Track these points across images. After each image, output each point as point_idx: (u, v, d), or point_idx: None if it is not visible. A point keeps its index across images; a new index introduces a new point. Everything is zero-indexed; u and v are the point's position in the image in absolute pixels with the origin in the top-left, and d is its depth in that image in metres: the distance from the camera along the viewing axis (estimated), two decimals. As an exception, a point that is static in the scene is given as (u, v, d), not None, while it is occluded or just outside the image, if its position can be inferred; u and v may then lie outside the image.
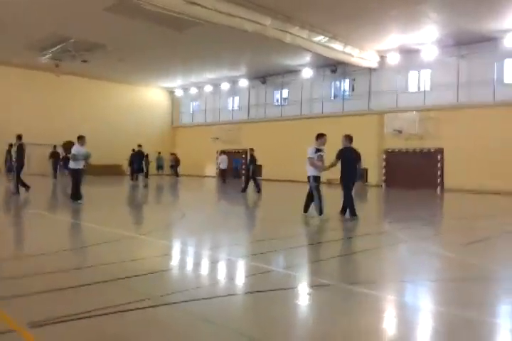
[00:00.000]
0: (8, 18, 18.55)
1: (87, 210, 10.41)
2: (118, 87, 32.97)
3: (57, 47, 22.43)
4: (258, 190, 16.21)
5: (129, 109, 33.48)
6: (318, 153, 9.21)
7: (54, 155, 25.18)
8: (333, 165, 9.45)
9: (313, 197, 9.13)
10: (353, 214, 9.00)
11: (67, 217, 9.45)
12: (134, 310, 3.44)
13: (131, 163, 22.53)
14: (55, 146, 25.68)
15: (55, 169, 24.54)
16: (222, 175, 24.52)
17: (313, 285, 4.40)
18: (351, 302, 3.93)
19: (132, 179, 22.42)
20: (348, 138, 9.64)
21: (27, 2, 16.67)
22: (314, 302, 3.95)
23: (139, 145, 21.12)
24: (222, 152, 25.81)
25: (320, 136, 9.41)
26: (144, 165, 21.10)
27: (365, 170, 24.19)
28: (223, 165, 24.26)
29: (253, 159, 17.01)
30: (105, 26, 19.36)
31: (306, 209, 9.37)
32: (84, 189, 11.83)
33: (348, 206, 9.20)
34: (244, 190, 16.46)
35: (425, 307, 3.86)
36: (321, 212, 8.90)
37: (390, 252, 6.35)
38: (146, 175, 22.21)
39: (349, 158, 9.33)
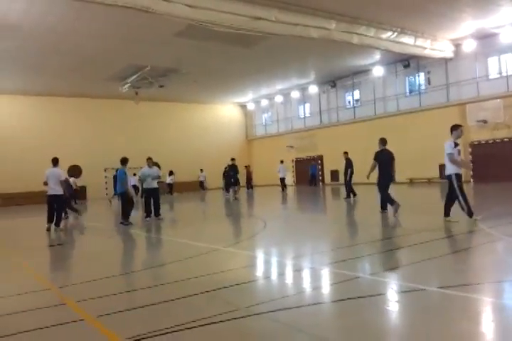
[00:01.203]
0: (90, 55, 20.26)
1: (177, 226, 10.90)
2: (193, 108, 34.45)
3: (135, 76, 24.02)
4: (354, 194, 15.67)
5: (205, 127, 34.83)
6: (457, 148, 8.12)
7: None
8: (373, 167, 10.26)
9: (453, 197, 8.13)
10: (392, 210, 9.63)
11: (157, 234, 9.99)
12: (225, 322, 3.55)
13: (226, 176, 23.09)
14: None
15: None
16: (282, 183, 24.55)
17: (404, 291, 4.24)
18: (445, 306, 3.73)
19: (228, 191, 22.63)
20: (382, 140, 10.52)
21: (104, 39, 18.09)
22: (406, 309, 3.80)
23: (232, 159, 20.91)
24: (281, 161, 25.92)
25: (455, 128, 8.19)
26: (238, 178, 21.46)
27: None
28: (282, 174, 24.40)
29: (349, 163, 16.18)
30: (177, 51, 20.41)
31: (447, 211, 8.29)
32: (176, 205, 12.40)
33: (388, 202, 9.93)
34: (348, 195, 15.69)
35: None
36: (470, 214, 7.91)
37: (484, 252, 5.93)
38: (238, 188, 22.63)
39: (384, 160, 10.14)
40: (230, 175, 20.64)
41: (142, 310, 4.03)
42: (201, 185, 31.50)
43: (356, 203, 14.89)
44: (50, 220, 11.06)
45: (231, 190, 20.92)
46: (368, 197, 18.28)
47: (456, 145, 8.05)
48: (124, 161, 11.63)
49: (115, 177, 23.38)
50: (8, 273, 6.56)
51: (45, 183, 11.00)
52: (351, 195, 15.70)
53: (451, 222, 8.05)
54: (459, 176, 8.02)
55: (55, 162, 11.09)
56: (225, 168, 24.13)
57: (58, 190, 10.88)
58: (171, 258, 6.76)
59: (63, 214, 12.00)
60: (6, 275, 6.43)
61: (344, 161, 16.47)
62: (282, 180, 24.55)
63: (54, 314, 4.11)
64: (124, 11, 13.31)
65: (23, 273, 6.51)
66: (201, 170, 31.62)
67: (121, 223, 11.30)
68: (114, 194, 23.80)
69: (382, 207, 10.48)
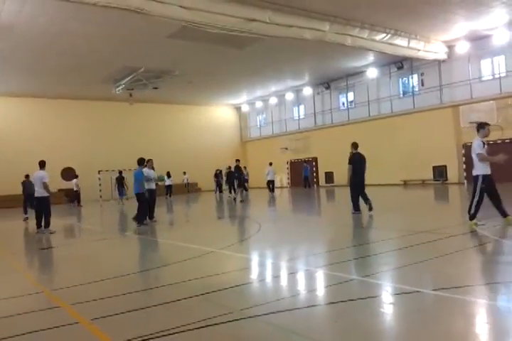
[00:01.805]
0: (84, 57, 20.21)
1: (172, 228, 10.87)
2: (187, 109, 34.41)
3: (129, 77, 23.97)
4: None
5: (200, 129, 34.80)
6: (486, 147, 7.79)
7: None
8: (350, 170, 10.83)
9: (498, 196, 7.67)
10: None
11: (152, 236, 9.96)
12: (219, 325, 3.54)
13: (229, 178, 23.17)
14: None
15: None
16: (268, 185, 24.26)
17: (397, 293, 4.25)
18: (438, 308, 3.74)
19: (230, 193, 22.72)
20: (354, 145, 11.17)
21: (98, 40, 18.05)
22: (399, 311, 3.81)
23: (237, 161, 21.18)
24: (270, 163, 25.58)
25: (482, 126, 7.91)
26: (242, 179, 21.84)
27: (444, 168, 23.00)
28: (270, 177, 24.11)
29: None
30: (170, 52, 20.39)
31: (503, 213, 7.69)
32: (174, 207, 12.32)
33: (354, 205, 10.81)
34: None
35: (524, 311, 3.58)
36: (472, 218, 7.69)
37: (478, 253, 5.97)
38: (237, 190, 22.90)
39: (357, 163, 10.82)
40: (234, 177, 20.95)
41: (137, 312, 4.02)
42: (169, 190, 28.04)
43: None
44: (39, 224, 11.05)
45: (237, 191, 20.70)
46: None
47: (484, 144, 7.78)
48: (141, 162, 11.66)
49: (117, 181, 23.67)
50: (0, 276, 6.51)
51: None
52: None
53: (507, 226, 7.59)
54: (486, 177, 7.70)
55: (42, 164, 11.09)
56: (228, 169, 24.71)
57: (42, 192, 10.84)
58: (165, 260, 6.75)
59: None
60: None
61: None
62: (271, 182, 24.25)
63: (48, 317, 4.08)
64: (117, 12, 13.29)
65: (16, 276, 6.46)
66: (184, 173, 30.51)
67: (138, 224, 11.21)
68: (120, 195, 23.84)
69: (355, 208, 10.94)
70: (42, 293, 5.03)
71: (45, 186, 10.82)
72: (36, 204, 11.16)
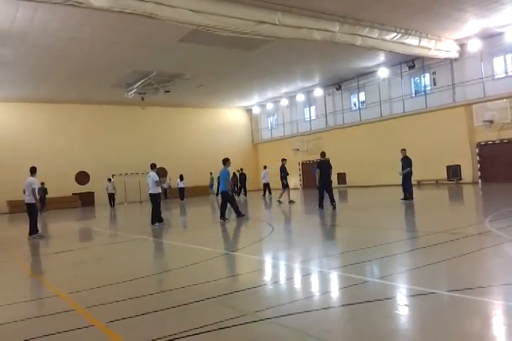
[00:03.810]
0: (96, 61, 20.42)
1: (184, 230, 10.91)
2: (198, 112, 34.51)
3: (141, 82, 24.14)
4: (411, 197, 14.51)
5: (211, 132, 34.87)
6: None
7: None
8: (318, 174, 13.34)
9: None
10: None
11: (164, 239, 10.01)
12: (231, 327, 3.54)
13: (237, 182, 25.19)
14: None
15: None
16: (264, 189, 24.26)
17: (412, 295, 4.21)
18: (454, 310, 3.70)
19: (239, 195, 25.10)
20: (322, 154, 14.04)
21: (109, 45, 18.23)
22: (415, 313, 3.77)
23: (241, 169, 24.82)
24: (264, 167, 25.61)
25: None
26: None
27: (458, 167, 22.73)
28: (266, 180, 23.97)
29: (407, 161, 14.91)
30: (181, 56, 20.50)
31: None
32: (187, 209, 12.39)
33: (320, 202, 13.46)
34: (406, 197, 14.55)
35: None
36: None
37: (494, 254, 5.88)
38: (245, 193, 26.27)
39: (324, 169, 13.45)
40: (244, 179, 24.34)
41: (151, 315, 4.04)
42: (181, 192, 27.71)
43: (361, 206, 14.80)
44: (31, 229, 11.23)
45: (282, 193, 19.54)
46: (376, 199, 18.26)
47: None
48: (226, 161, 12.39)
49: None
50: (16, 280, 6.60)
51: (24, 192, 11.18)
52: (407, 196, 14.51)
53: None
54: None
55: (33, 171, 11.25)
56: (240, 171, 26.55)
57: (30, 199, 10.99)
58: (178, 263, 6.77)
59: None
60: (14, 282, 6.47)
61: (401, 159, 15.20)
62: (266, 185, 24.09)
63: (64, 320, 4.13)
64: (128, 17, 13.40)
65: (32, 280, 6.55)
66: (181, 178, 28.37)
67: (221, 219, 11.91)
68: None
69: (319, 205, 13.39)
70: (58, 297, 5.09)
71: (34, 193, 10.89)
72: (27, 211, 11.22)
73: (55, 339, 3.61)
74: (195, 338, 3.38)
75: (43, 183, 24.16)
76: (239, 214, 12.29)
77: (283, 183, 18.72)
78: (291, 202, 17.67)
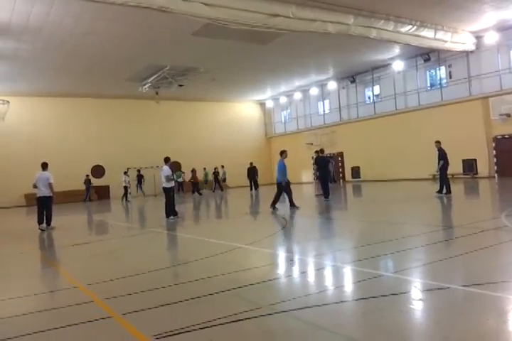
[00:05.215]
0: (110, 56, 20.56)
1: (197, 224, 10.99)
2: (212, 106, 34.57)
3: (155, 76, 24.25)
4: (448, 191, 13.65)
5: (224, 125, 34.94)
6: None
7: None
8: (315, 169, 15.56)
9: None
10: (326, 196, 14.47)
11: (179, 232, 10.11)
12: (244, 320, 3.58)
13: (249, 174, 26.23)
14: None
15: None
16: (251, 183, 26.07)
17: (427, 289, 4.21)
18: (469, 305, 3.69)
19: (251, 189, 25.84)
20: (321, 151, 15.88)
21: (123, 39, 18.33)
22: (430, 307, 3.77)
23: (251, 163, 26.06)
24: (250, 163, 26.96)
25: None
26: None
27: (474, 161, 22.43)
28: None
29: (442, 153, 14.12)
30: (195, 50, 20.53)
31: None
32: (202, 202, 12.45)
33: (325, 192, 14.60)
34: (441, 191, 13.74)
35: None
36: None
37: (510, 249, 5.83)
38: (256, 188, 26.37)
39: (322, 164, 15.13)
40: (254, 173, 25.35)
41: (167, 307, 4.11)
42: (181, 186, 27.92)
43: (374, 200, 14.72)
44: (40, 221, 11.59)
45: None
46: (390, 193, 18.15)
47: None
48: (283, 153, 12.89)
49: (137, 178, 25.12)
50: (35, 272, 6.75)
51: (35, 186, 11.52)
52: (444, 191, 13.66)
53: None
54: None
55: (44, 166, 11.78)
56: (248, 168, 26.78)
57: (46, 192, 11.49)
58: (193, 256, 6.84)
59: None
60: (34, 273, 6.62)
61: (436, 152, 14.42)
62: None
63: (83, 311, 4.22)
64: (142, 11, 13.46)
65: (51, 271, 6.69)
66: (182, 172, 28.49)
67: (272, 208, 12.41)
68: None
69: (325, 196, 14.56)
70: (77, 288, 5.19)
71: (51, 187, 11.48)
72: (40, 204, 11.61)
73: (74, 330, 3.69)
74: (210, 330, 3.43)
75: (87, 175, 27.22)
76: (292, 205, 12.55)
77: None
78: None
